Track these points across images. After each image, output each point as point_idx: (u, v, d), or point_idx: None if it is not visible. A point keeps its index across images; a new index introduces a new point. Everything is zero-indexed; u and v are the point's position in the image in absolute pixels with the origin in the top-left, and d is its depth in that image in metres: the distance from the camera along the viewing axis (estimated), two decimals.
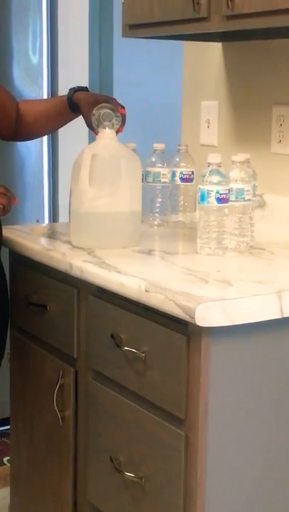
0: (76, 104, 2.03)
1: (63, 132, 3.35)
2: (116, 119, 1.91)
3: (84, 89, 2.07)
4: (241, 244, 1.88)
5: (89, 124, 1.98)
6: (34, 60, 3.30)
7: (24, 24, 3.26)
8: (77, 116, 2.07)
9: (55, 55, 3.35)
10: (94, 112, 1.93)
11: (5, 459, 2.96)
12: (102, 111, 1.91)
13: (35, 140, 3.31)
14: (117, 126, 1.91)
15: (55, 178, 3.41)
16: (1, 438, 3.16)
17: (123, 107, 1.98)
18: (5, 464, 2.92)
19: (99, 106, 1.93)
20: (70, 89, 2.06)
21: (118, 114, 1.92)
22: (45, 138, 3.35)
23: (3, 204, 1.81)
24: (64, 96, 2.07)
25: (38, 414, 2.07)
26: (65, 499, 1.97)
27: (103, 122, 1.90)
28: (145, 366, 1.60)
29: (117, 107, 1.93)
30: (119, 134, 1.94)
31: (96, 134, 1.92)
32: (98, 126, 1.91)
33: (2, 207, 1.81)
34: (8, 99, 2.08)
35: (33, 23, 3.28)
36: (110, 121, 1.90)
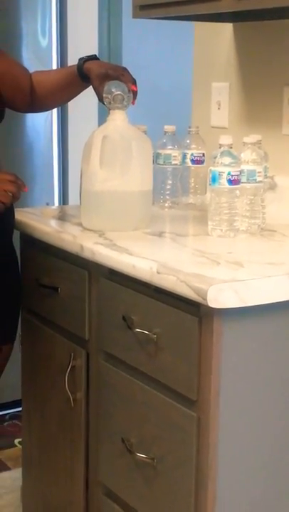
0: (87, 76, 2.00)
1: (73, 114, 3.35)
2: (127, 99, 1.89)
3: (93, 57, 2.03)
4: (252, 226, 1.87)
5: (100, 98, 1.97)
6: (43, 42, 3.28)
7: (33, 6, 3.25)
8: (89, 86, 2.05)
9: (64, 38, 3.34)
10: (105, 94, 1.91)
11: (16, 441, 2.97)
12: (113, 93, 1.89)
13: (44, 122, 3.33)
14: (127, 104, 1.90)
15: (65, 160, 3.40)
16: (13, 420, 3.18)
17: (134, 83, 1.94)
18: (17, 446, 2.94)
19: (109, 84, 1.90)
20: (80, 60, 2.02)
21: (130, 93, 1.90)
22: (54, 120, 3.35)
23: (12, 192, 1.81)
24: (74, 66, 2.03)
25: (50, 396, 2.08)
26: (76, 480, 1.98)
27: (114, 104, 1.89)
28: (157, 348, 1.60)
29: (127, 84, 1.91)
30: (132, 106, 1.92)
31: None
32: (109, 104, 1.90)
33: (11, 194, 1.81)
34: (21, 73, 2.08)
35: (42, 6, 3.26)
36: (121, 103, 1.89)
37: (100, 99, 1.96)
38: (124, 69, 1.99)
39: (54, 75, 2.17)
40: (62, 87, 2.08)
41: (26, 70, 2.11)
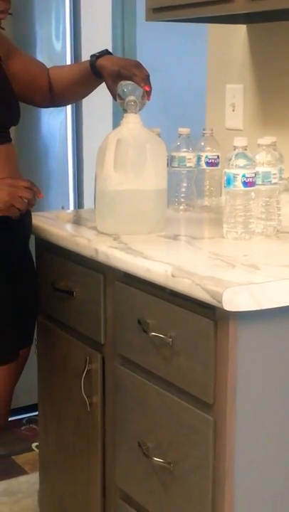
0: (100, 73, 1.99)
1: (88, 118, 3.35)
2: (140, 104, 1.89)
3: (105, 52, 2.02)
4: (268, 228, 1.86)
5: (114, 97, 1.96)
6: (57, 46, 3.29)
7: (47, 10, 3.25)
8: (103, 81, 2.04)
9: (78, 42, 3.34)
10: (118, 98, 1.91)
11: (33, 445, 2.97)
12: (126, 100, 1.88)
13: (59, 126, 3.33)
14: (142, 107, 1.89)
15: (80, 164, 3.41)
16: (29, 424, 3.18)
17: (148, 80, 1.92)
18: (34, 450, 2.94)
19: (122, 86, 1.90)
20: (92, 56, 2.01)
21: (143, 96, 1.89)
22: (69, 124, 3.35)
23: (27, 198, 1.81)
24: (87, 62, 2.03)
25: (66, 400, 2.08)
26: (93, 484, 1.98)
27: (127, 110, 1.89)
28: (172, 351, 1.59)
29: (140, 84, 1.90)
30: (146, 108, 1.91)
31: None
32: (123, 108, 1.90)
33: (27, 201, 1.82)
34: (39, 71, 2.09)
35: (56, 10, 3.27)
36: (135, 109, 1.88)
37: (115, 98, 1.96)
38: (137, 65, 1.96)
39: (70, 71, 2.16)
40: (78, 83, 2.08)
41: (44, 66, 2.13)
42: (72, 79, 2.09)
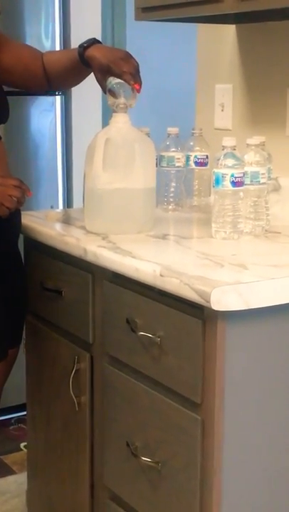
0: (89, 63, 1.97)
1: (77, 117, 3.34)
2: (129, 103, 1.89)
3: (93, 41, 1.98)
4: (256, 228, 1.86)
5: (104, 91, 1.95)
6: (47, 44, 3.28)
7: (37, 9, 3.24)
8: None
9: (67, 40, 3.33)
10: (108, 98, 1.91)
11: (22, 445, 2.97)
12: (115, 102, 1.88)
13: (48, 125, 3.32)
14: (131, 105, 1.89)
15: (69, 163, 3.40)
16: (18, 424, 3.17)
17: (138, 79, 1.90)
18: (22, 450, 2.94)
19: (112, 85, 1.89)
20: (80, 47, 1.98)
21: (133, 93, 1.88)
22: (58, 123, 3.34)
23: (17, 197, 1.81)
24: (76, 51, 2.00)
25: (54, 399, 2.07)
26: (82, 484, 1.98)
27: (117, 110, 1.88)
28: (161, 351, 1.59)
29: (129, 83, 1.88)
30: (135, 107, 1.90)
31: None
32: (112, 107, 1.89)
33: (16, 199, 1.81)
34: (32, 60, 2.07)
35: (45, 8, 3.26)
36: (124, 109, 1.88)
37: (104, 92, 1.95)
38: (126, 57, 1.93)
39: (61, 57, 2.11)
40: (70, 71, 2.06)
41: (37, 52, 2.10)
42: (63, 65, 2.06)
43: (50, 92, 2.20)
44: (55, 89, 2.21)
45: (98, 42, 2.00)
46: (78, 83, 2.17)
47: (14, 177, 1.86)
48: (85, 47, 1.97)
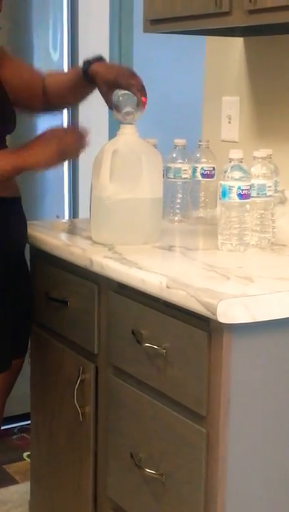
0: (93, 78, 1.97)
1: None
2: (137, 115, 1.89)
3: (99, 58, 2.00)
4: (263, 241, 1.87)
5: (109, 105, 1.96)
6: (54, 56, 3.29)
7: (45, 20, 3.26)
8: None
9: (75, 51, 3.34)
10: (114, 109, 1.91)
11: (25, 454, 2.96)
12: (123, 112, 1.88)
13: None
14: (139, 117, 1.89)
15: (76, 173, 3.41)
16: (21, 433, 3.17)
17: (144, 94, 1.91)
18: (25, 459, 2.93)
19: (119, 96, 1.89)
20: (85, 63, 1.99)
21: (140, 106, 1.89)
22: None
23: (82, 141, 1.87)
24: (80, 68, 2.01)
25: (59, 409, 2.07)
26: (85, 495, 1.97)
27: (124, 120, 1.89)
28: (166, 362, 1.59)
29: (137, 95, 1.89)
30: (142, 118, 1.91)
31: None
32: (119, 118, 1.90)
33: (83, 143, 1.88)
34: (35, 79, 2.08)
35: (53, 19, 3.27)
36: (132, 120, 1.88)
37: (109, 106, 1.95)
38: (132, 74, 1.95)
39: (63, 76, 2.16)
40: (72, 89, 2.07)
41: (39, 73, 2.12)
42: (64, 84, 2.08)
43: (48, 112, 2.19)
44: (53, 109, 2.20)
45: (103, 59, 2.02)
46: (79, 102, 2.19)
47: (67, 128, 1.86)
48: (90, 62, 1.99)
